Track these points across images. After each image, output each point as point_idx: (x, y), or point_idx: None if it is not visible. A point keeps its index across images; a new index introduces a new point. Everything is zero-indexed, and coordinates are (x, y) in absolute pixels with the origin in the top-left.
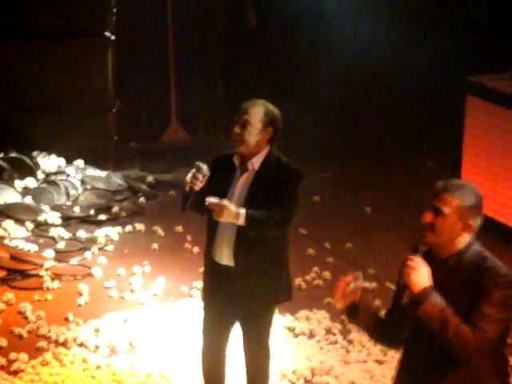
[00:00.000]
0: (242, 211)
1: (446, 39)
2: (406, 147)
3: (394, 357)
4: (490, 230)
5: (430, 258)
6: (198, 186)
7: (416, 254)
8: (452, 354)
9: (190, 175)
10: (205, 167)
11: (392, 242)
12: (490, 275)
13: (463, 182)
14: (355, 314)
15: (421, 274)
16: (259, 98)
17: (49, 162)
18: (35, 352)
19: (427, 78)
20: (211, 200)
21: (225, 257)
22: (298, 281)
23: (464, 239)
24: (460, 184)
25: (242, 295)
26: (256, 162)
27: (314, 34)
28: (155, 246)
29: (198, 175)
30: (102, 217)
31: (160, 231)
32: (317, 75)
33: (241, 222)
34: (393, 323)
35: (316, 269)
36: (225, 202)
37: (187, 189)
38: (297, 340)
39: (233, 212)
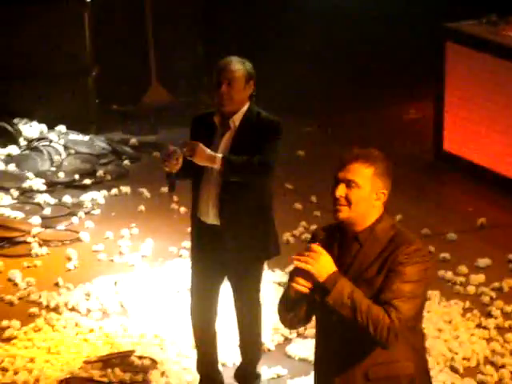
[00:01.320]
0: (219, 155)
1: None
2: (387, 97)
3: None
4: (474, 176)
5: (335, 238)
6: (176, 168)
7: (314, 242)
8: (368, 338)
9: (162, 161)
10: (175, 149)
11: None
12: (403, 251)
13: (370, 150)
14: None
15: (322, 263)
16: (238, 54)
17: (31, 129)
18: (27, 318)
19: (405, 26)
20: (184, 143)
21: (210, 216)
22: (286, 236)
23: (377, 210)
24: (368, 152)
25: (229, 253)
26: (237, 119)
27: None
28: (142, 207)
29: (170, 159)
30: (87, 181)
31: (146, 193)
32: (295, 26)
33: (217, 165)
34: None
35: (304, 223)
36: (197, 143)
37: (165, 173)
38: None
39: (207, 153)
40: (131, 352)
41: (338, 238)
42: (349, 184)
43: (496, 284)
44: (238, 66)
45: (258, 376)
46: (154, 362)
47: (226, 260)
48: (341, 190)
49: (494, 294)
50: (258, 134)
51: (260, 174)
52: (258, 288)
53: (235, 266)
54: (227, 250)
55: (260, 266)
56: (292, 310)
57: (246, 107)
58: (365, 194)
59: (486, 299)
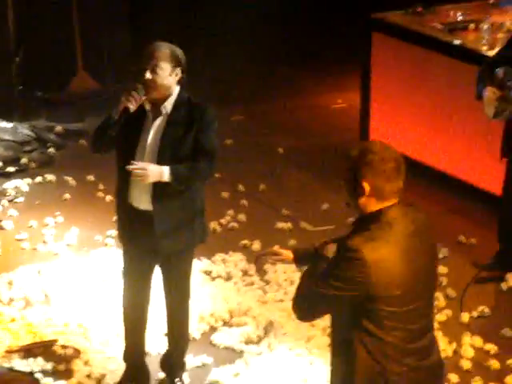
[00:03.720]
0: (166, 169)
1: None
2: (315, 87)
3: None
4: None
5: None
6: (134, 105)
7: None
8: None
9: (125, 94)
10: (142, 91)
11: (305, 183)
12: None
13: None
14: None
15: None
16: (166, 41)
17: None
18: None
19: (332, 16)
20: (132, 167)
21: (143, 201)
22: (213, 224)
23: None
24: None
25: (160, 238)
26: (168, 105)
27: None
28: (67, 196)
29: (134, 95)
30: (11, 169)
31: (71, 181)
32: (221, 16)
33: (166, 178)
34: None
35: (231, 212)
36: (144, 164)
37: (120, 108)
38: (214, 283)
39: (157, 172)
40: (54, 341)
41: None
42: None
43: None
44: (164, 52)
45: (183, 365)
46: (77, 351)
47: (156, 245)
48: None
49: None
50: (193, 120)
51: (206, 179)
52: (188, 275)
53: (165, 251)
54: (158, 235)
55: (190, 252)
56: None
57: (176, 93)
58: None
59: None
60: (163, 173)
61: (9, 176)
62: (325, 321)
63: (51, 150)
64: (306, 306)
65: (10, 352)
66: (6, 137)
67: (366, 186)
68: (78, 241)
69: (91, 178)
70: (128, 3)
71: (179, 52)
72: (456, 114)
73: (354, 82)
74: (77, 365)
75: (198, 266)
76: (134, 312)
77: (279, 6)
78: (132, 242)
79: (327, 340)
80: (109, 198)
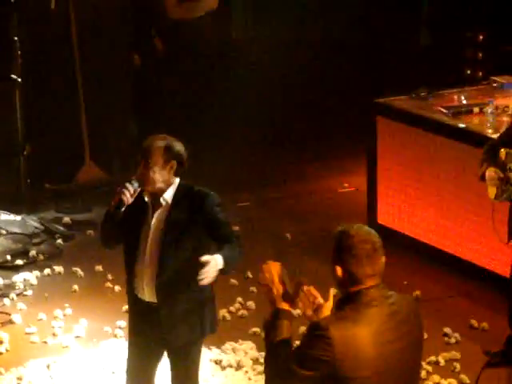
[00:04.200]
0: (219, 258)
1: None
2: (319, 171)
3: None
4: (409, 249)
5: None
6: (127, 197)
7: None
8: None
9: (120, 187)
10: (136, 183)
11: (314, 269)
12: None
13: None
14: None
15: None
16: (170, 132)
17: None
18: None
19: (337, 101)
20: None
21: (147, 293)
22: (222, 312)
23: None
24: None
25: (166, 331)
26: (168, 197)
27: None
28: (76, 287)
29: (128, 187)
30: (20, 261)
31: (80, 272)
32: (228, 105)
33: (220, 266)
34: None
35: (240, 299)
36: (209, 266)
37: (114, 201)
38: (224, 372)
39: (216, 266)
40: None
41: None
42: None
43: (432, 358)
44: (158, 147)
45: None
46: None
47: (162, 337)
48: None
49: (430, 368)
50: (194, 209)
51: (242, 254)
52: (197, 367)
53: (172, 343)
54: (164, 328)
55: (197, 344)
56: None
57: (175, 184)
58: None
59: (422, 374)
60: (219, 263)
61: (17, 269)
62: None
63: (59, 241)
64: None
65: None
66: (15, 229)
67: (338, 270)
68: (87, 332)
69: (99, 268)
70: (133, 93)
71: (176, 144)
72: (463, 196)
73: (360, 165)
74: None
75: (208, 355)
76: None
77: (283, 91)
78: (137, 332)
79: None
80: (117, 288)
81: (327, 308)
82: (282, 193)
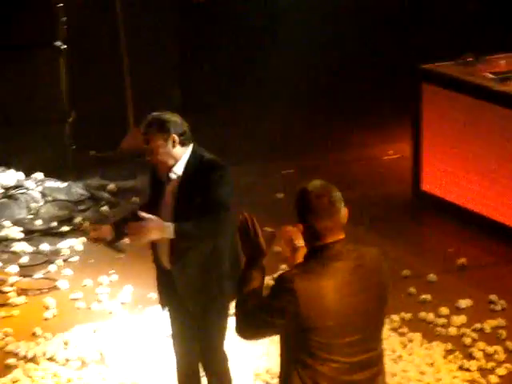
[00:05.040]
0: (170, 225)
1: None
2: (366, 138)
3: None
4: (453, 216)
5: None
6: (106, 234)
7: None
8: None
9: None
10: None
11: (358, 235)
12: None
13: None
14: None
15: None
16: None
17: (7, 176)
18: (5, 369)
19: (382, 67)
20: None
21: (164, 261)
22: (266, 279)
23: None
24: None
25: (182, 297)
26: (178, 169)
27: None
28: (121, 254)
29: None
30: (65, 228)
31: (125, 239)
32: (272, 69)
33: (170, 235)
34: None
35: (284, 266)
36: (149, 220)
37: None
38: (268, 339)
39: (159, 228)
40: None
41: None
42: None
43: (477, 325)
44: (152, 130)
45: None
46: None
47: (184, 303)
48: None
49: (475, 336)
50: (202, 181)
51: (211, 237)
52: (222, 335)
53: (191, 310)
54: (182, 293)
55: (218, 309)
56: None
57: (186, 154)
58: None
59: (467, 341)
60: (167, 229)
61: (63, 235)
62: None
63: (105, 208)
64: (249, 328)
65: None
66: (61, 196)
67: (301, 227)
68: (132, 299)
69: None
70: (177, 60)
71: (169, 118)
72: (509, 162)
73: (404, 133)
74: None
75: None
76: (185, 370)
77: (331, 59)
78: (164, 300)
79: None
80: None
81: (304, 252)
82: (327, 160)
